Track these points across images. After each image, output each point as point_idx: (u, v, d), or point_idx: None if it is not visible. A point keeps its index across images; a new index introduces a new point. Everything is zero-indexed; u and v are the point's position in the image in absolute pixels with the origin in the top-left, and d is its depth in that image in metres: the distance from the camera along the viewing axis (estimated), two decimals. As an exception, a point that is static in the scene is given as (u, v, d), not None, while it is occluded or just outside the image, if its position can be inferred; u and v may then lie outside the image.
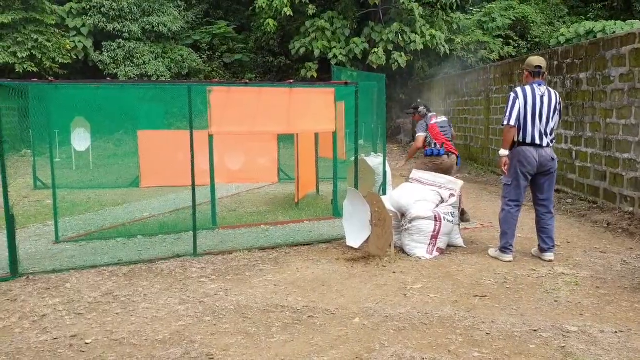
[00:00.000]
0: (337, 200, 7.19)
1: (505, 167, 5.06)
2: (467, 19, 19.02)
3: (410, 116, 7.30)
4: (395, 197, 5.58)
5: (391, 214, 5.22)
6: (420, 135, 6.60)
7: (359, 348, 3.29)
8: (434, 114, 6.76)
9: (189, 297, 4.19)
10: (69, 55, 16.52)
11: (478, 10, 19.88)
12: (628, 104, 6.82)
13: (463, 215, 6.43)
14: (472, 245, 5.67)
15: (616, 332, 3.48)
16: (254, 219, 7.01)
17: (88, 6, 17.09)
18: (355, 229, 5.26)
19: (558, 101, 5.03)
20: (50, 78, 8.76)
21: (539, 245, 5.16)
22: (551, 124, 4.98)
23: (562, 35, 17.54)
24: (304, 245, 5.71)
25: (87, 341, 3.42)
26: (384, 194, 6.64)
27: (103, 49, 17.20)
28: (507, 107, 4.98)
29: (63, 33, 16.74)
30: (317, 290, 4.32)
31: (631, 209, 6.67)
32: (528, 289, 4.32)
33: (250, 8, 18.22)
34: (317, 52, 16.23)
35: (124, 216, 7.28)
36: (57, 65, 16.12)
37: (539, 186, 5.10)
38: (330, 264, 5.03)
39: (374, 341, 3.37)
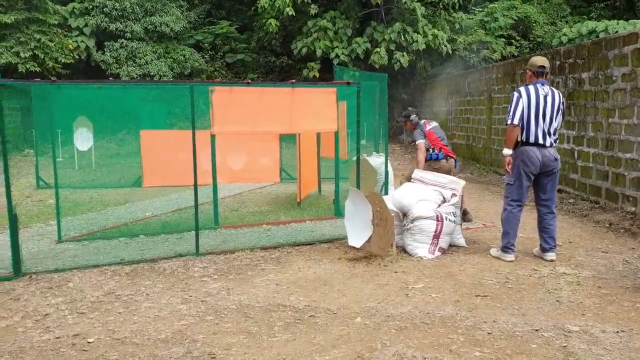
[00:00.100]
0: (338, 200, 7.19)
1: (509, 167, 5.06)
2: (469, 18, 18.98)
3: (403, 124, 7.34)
4: (397, 196, 5.58)
5: (393, 214, 5.22)
6: (421, 142, 6.78)
7: (360, 347, 3.29)
8: (426, 120, 7.04)
9: (191, 296, 4.20)
10: (72, 55, 16.55)
11: (480, 10, 19.86)
12: (630, 104, 6.81)
13: (465, 215, 6.45)
14: (474, 245, 5.67)
15: (618, 332, 3.48)
16: (256, 218, 7.03)
17: (90, 6, 17.10)
18: (357, 229, 5.26)
19: (561, 101, 5.02)
20: (52, 78, 8.79)
21: (540, 245, 5.16)
22: (554, 124, 4.97)
23: (565, 35, 17.48)
24: (306, 244, 5.72)
25: (90, 340, 3.44)
26: (386, 193, 6.64)
27: (105, 49, 17.21)
28: (511, 106, 4.97)
29: (65, 33, 16.77)
30: (318, 290, 4.33)
31: (633, 208, 6.66)
32: (530, 288, 4.32)
33: (253, 8, 18.23)
34: (319, 52, 16.22)
35: (127, 216, 7.31)
36: (60, 65, 16.14)
37: (541, 186, 5.09)
38: (332, 264, 5.04)
39: (375, 340, 3.38)
